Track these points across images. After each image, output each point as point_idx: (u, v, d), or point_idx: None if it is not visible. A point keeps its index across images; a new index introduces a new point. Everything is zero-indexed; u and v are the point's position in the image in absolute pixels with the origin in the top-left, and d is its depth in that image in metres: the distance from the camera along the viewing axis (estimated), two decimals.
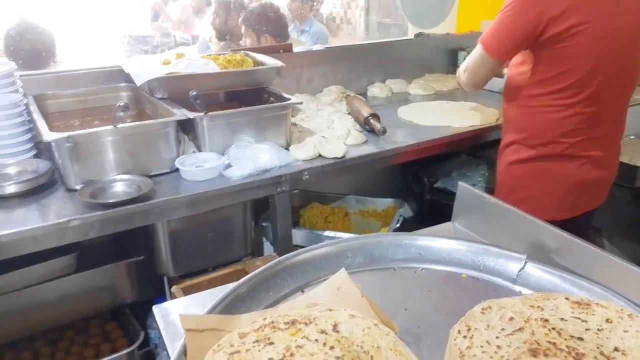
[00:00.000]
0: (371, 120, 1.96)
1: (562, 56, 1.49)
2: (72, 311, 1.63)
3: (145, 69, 1.78)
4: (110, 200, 1.40)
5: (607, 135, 1.61)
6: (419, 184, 2.44)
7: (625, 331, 0.73)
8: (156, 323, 0.93)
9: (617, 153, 1.69)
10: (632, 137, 2.20)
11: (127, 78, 1.86)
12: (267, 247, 2.06)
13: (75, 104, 1.92)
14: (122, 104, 1.53)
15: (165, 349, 0.86)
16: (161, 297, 1.74)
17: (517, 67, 1.62)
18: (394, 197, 2.26)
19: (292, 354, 0.70)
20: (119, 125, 1.51)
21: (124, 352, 1.54)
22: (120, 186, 1.48)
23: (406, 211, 2.35)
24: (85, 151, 1.48)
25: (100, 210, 1.37)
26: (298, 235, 1.91)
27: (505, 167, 1.71)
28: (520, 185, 1.66)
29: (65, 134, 1.44)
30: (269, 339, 0.73)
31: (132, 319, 1.69)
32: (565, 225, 1.02)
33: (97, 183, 1.47)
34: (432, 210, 2.36)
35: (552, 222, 0.99)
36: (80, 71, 2.03)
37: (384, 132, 1.91)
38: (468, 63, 1.67)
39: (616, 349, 0.70)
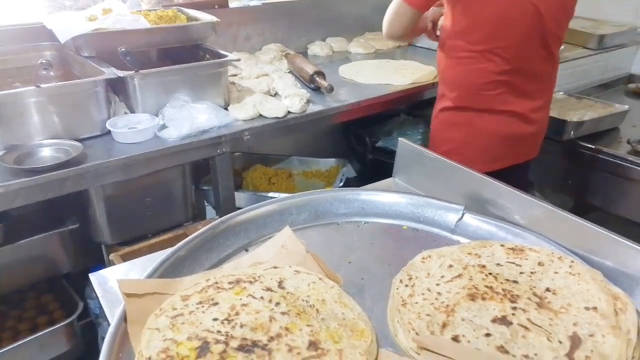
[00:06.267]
0: (317, 78, 1.93)
1: (472, 5, 1.50)
2: (3, 284, 1.55)
3: (69, 25, 1.65)
4: (37, 166, 1.31)
5: (532, 90, 1.61)
6: (361, 144, 2.46)
7: (555, 272, 0.77)
8: (95, 292, 0.89)
9: (546, 108, 1.72)
10: (560, 93, 2.29)
11: (52, 36, 1.72)
12: (210, 212, 2.03)
13: None
14: (44, 61, 1.42)
15: (106, 318, 0.83)
16: (100, 266, 1.67)
17: (445, 19, 1.61)
18: (337, 158, 2.27)
19: (237, 313, 0.69)
20: (43, 86, 1.40)
21: (62, 324, 1.49)
22: (48, 151, 1.40)
23: (349, 171, 2.37)
24: (6, 114, 1.37)
25: (26, 177, 1.28)
26: (241, 198, 1.89)
27: (434, 118, 1.74)
28: (445, 137, 1.68)
29: None
30: (213, 299, 0.72)
31: (69, 289, 1.62)
32: (502, 177, 1.05)
33: (22, 148, 1.38)
34: (375, 169, 2.39)
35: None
36: None
37: (331, 89, 1.88)
38: (387, 13, 1.63)
39: (547, 289, 0.75)
